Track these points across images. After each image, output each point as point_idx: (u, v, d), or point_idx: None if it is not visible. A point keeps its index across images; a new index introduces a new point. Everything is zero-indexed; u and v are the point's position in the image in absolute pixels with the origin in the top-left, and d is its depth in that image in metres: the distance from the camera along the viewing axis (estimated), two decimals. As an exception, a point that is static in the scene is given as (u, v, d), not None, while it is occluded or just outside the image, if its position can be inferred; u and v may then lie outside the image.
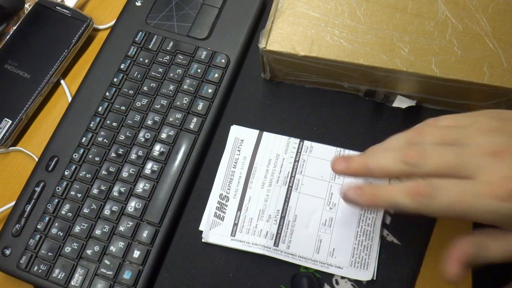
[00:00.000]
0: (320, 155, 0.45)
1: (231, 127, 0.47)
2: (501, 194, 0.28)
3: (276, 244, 0.42)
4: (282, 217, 0.42)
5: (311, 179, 0.44)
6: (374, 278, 0.41)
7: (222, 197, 0.44)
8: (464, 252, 0.30)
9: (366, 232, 0.42)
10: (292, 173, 0.44)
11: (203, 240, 0.42)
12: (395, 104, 0.44)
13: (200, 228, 0.43)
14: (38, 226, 0.42)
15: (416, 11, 0.43)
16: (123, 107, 0.47)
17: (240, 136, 0.46)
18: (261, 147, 0.45)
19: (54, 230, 0.42)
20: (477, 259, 0.30)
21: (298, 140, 0.45)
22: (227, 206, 0.43)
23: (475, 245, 0.30)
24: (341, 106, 0.47)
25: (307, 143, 0.45)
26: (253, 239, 0.42)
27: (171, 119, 0.46)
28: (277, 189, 0.44)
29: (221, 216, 0.43)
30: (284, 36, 0.43)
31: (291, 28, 0.44)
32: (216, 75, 0.48)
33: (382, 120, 0.47)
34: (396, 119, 0.47)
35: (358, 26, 0.43)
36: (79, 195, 0.43)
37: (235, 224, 0.43)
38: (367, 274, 0.41)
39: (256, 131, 0.46)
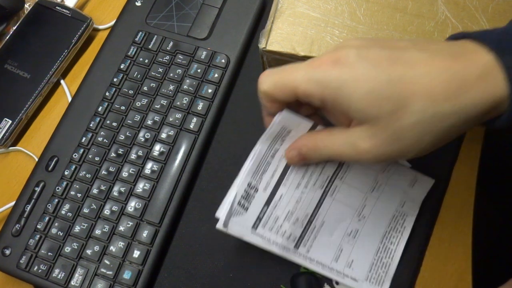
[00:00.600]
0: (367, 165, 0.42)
1: (281, 112, 0.35)
2: (316, 62, 0.29)
3: (297, 246, 0.40)
4: (310, 222, 0.40)
5: (349, 187, 0.41)
6: None
7: (251, 186, 0.38)
8: (302, 146, 0.35)
9: (388, 250, 0.41)
10: (332, 177, 0.40)
11: (217, 227, 0.37)
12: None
13: (217, 215, 0.37)
14: (38, 226, 0.42)
15: (416, 11, 0.43)
16: (123, 107, 0.47)
17: (288, 126, 0.37)
18: None
19: (54, 230, 0.42)
20: (311, 156, 0.35)
21: None
22: (254, 197, 0.38)
23: (309, 145, 0.34)
24: (341, 106, 0.47)
25: None
26: (275, 238, 0.39)
27: (171, 119, 0.46)
28: (311, 192, 0.40)
29: (245, 206, 0.38)
30: (284, 36, 0.43)
31: (291, 28, 0.44)
32: (216, 75, 0.48)
33: (382, 120, 0.47)
34: (396, 119, 0.47)
35: (358, 26, 0.43)
36: (79, 195, 0.43)
37: (259, 218, 0.38)
38: None
39: (309, 123, 0.38)
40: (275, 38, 0.43)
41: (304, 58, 0.43)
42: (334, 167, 0.41)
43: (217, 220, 0.37)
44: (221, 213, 0.38)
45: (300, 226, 0.40)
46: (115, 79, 0.48)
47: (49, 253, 0.41)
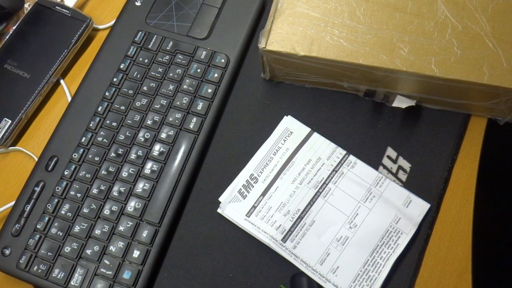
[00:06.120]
0: (360, 174, 0.44)
1: (285, 117, 0.47)
2: None
3: (284, 240, 0.42)
4: (300, 217, 0.42)
5: (342, 193, 0.43)
6: None
7: (252, 177, 0.44)
8: None
9: (376, 264, 0.41)
10: (326, 180, 0.44)
11: (218, 211, 0.43)
12: (395, 104, 0.44)
13: (220, 199, 0.44)
14: (38, 226, 0.42)
15: (416, 11, 0.43)
16: (122, 107, 0.47)
17: (290, 128, 0.46)
18: (307, 145, 0.45)
19: (53, 230, 0.42)
20: None
21: (345, 152, 0.45)
22: (253, 187, 0.44)
23: None
24: (341, 106, 0.47)
25: (352, 158, 0.45)
26: (265, 227, 0.42)
27: (170, 119, 0.46)
28: (305, 190, 0.43)
29: (244, 194, 0.44)
30: (283, 36, 0.43)
31: (291, 28, 0.44)
32: (216, 75, 0.48)
33: (382, 120, 0.47)
34: (396, 119, 0.47)
35: (358, 26, 0.43)
36: (78, 195, 0.43)
37: (254, 207, 0.43)
38: None
39: (308, 129, 0.46)
40: (275, 38, 0.43)
41: (304, 58, 0.43)
42: (329, 171, 0.44)
43: (217, 214, 0.44)
44: (223, 198, 0.44)
45: (290, 219, 0.42)
46: (114, 79, 0.48)
47: (49, 253, 0.41)
